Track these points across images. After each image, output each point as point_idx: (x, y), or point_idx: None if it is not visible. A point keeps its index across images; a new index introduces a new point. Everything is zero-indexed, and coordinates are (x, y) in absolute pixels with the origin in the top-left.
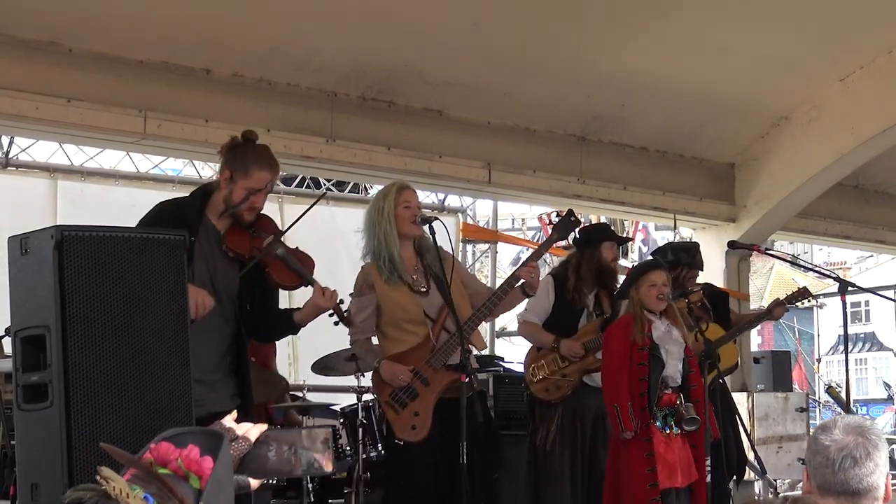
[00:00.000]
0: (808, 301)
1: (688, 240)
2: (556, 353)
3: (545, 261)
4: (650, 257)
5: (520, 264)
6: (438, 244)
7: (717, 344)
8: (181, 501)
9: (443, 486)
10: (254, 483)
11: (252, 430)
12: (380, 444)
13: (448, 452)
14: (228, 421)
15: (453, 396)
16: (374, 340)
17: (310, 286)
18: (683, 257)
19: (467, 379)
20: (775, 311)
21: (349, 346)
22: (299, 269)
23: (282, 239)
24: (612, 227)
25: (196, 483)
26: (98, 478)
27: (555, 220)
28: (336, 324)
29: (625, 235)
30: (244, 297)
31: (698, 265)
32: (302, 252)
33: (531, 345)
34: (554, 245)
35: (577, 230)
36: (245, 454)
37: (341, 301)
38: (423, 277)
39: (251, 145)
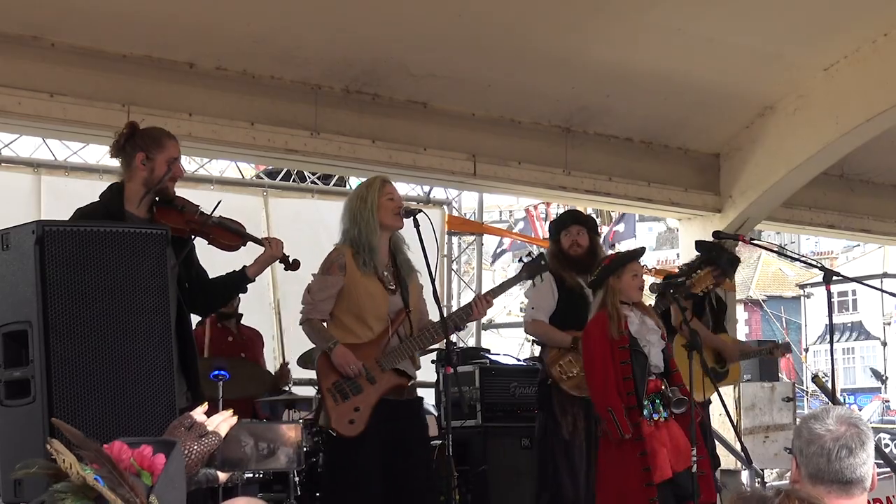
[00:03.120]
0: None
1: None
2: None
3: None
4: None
5: (475, 297)
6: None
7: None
8: (131, 488)
9: (379, 485)
10: (221, 476)
11: (222, 425)
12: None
13: (387, 452)
14: (198, 415)
15: (395, 398)
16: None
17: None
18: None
19: (452, 371)
20: (776, 352)
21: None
22: (239, 229)
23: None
24: (598, 217)
25: (148, 480)
26: (48, 448)
27: (525, 259)
28: (286, 269)
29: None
30: (181, 276)
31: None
32: (229, 218)
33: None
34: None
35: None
36: (217, 449)
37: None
38: (392, 276)
39: (145, 128)
